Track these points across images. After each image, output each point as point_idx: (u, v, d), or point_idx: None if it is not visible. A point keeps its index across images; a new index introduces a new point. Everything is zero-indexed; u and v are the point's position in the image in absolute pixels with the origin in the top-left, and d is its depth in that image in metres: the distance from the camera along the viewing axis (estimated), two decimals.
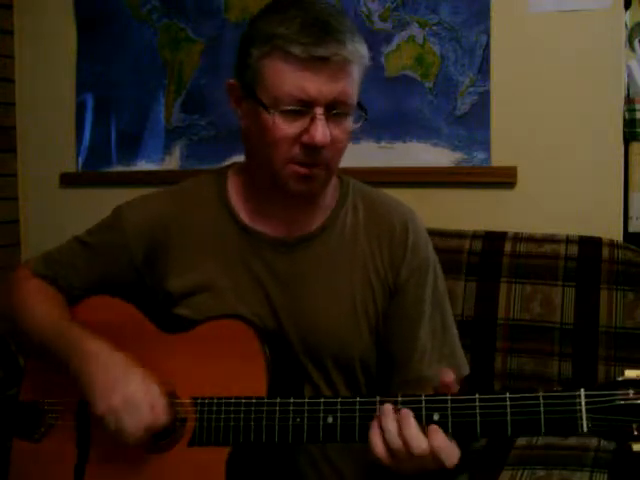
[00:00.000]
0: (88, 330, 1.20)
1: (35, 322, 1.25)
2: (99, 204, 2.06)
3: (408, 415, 1.00)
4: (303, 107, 1.11)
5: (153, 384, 1.13)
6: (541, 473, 1.32)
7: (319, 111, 1.10)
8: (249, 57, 1.14)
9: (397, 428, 1.00)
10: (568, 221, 1.78)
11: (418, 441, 0.98)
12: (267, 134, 1.13)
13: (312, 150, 1.12)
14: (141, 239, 1.27)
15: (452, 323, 1.30)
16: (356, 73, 1.14)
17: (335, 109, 1.12)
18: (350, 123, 1.16)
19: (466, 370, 1.28)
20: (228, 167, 1.33)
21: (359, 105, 1.17)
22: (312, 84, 1.09)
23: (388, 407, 1.02)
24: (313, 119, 1.10)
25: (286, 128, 1.12)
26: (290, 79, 1.10)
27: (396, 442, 0.99)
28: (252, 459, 1.13)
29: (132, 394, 1.10)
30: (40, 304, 1.28)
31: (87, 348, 1.17)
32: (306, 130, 1.11)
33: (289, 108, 1.11)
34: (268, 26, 1.12)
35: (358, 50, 1.13)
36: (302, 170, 1.14)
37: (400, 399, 1.02)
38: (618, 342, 1.59)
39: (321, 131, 1.10)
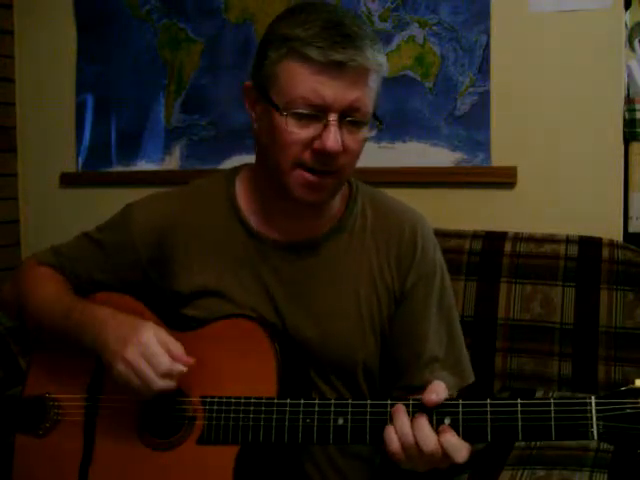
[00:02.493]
0: (96, 303, 1.23)
1: (46, 303, 1.27)
2: (99, 204, 2.08)
3: (421, 415, 1.01)
4: (317, 112, 1.09)
5: (164, 332, 1.13)
6: (541, 473, 1.31)
7: (332, 117, 1.09)
8: (266, 59, 1.13)
9: (410, 425, 1.01)
10: (568, 221, 1.78)
11: (428, 439, 0.99)
12: (278, 136, 1.11)
13: (323, 156, 1.10)
14: (149, 239, 1.28)
15: (459, 330, 1.29)
16: (373, 82, 1.12)
17: (349, 116, 1.10)
18: (364, 132, 1.14)
19: (471, 378, 1.27)
20: (239, 168, 1.32)
21: (374, 115, 1.15)
22: (328, 89, 1.08)
23: (401, 406, 1.02)
24: (326, 125, 1.09)
25: (298, 132, 1.10)
26: (306, 82, 1.08)
27: (408, 439, 1.00)
28: (260, 459, 1.13)
29: (146, 343, 1.11)
30: (49, 286, 1.30)
31: (100, 315, 1.18)
32: (318, 136, 1.09)
33: (302, 111, 1.09)
34: (286, 28, 1.11)
35: (377, 58, 1.10)
36: (310, 177, 1.13)
37: (411, 402, 1.03)
38: (618, 342, 1.59)
39: (333, 138, 1.08)
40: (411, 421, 1.01)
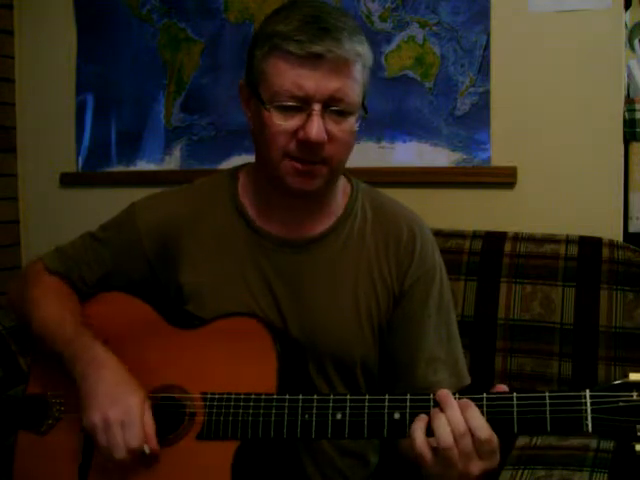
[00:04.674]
0: (98, 339, 1.21)
1: (46, 323, 1.26)
2: (99, 204, 2.08)
3: (470, 403, 1.00)
4: (300, 103, 1.11)
5: (150, 411, 1.13)
6: (541, 473, 1.32)
7: (316, 107, 1.11)
8: (254, 58, 1.17)
9: (460, 412, 0.99)
10: (568, 221, 1.78)
11: (483, 427, 0.97)
12: (265, 129, 1.14)
13: (308, 146, 1.12)
14: (154, 237, 1.29)
15: (457, 332, 1.30)
16: (357, 72, 1.14)
17: (332, 106, 1.12)
18: (352, 122, 1.15)
19: (468, 380, 1.28)
20: (241, 166, 1.34)
21: (363, 105, 1.17)
22: (308, 80, 1.10)
23: (445, 392, 1.01)
24: (309, 115, 1.11)
25: (283, 124, 1.12)
26: (287, 76, 1.11)
27: (461, 426, 0.97)
28: (259, 454, 1.14)
29: (130, 413, 1.11)
30: (52, 304, 1.29)
31: (95, 356, 1.17)
32: (302, 126, 1.12)
33: (285, 104, 1.11)
34: (269, 26, 1.15)
35: (356, 49, 1.12)
36: (299, 166, 1.14)
37: (409, 397, 1.04)
38: (618, 342, 1.59)
39: (316, 127, 1.10)
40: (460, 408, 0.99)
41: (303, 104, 1.11)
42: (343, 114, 1.14)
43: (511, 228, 1.77)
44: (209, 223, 1.28)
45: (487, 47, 1.88)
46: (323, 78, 1.10)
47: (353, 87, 1.14)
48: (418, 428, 1.01)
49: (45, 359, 1.31)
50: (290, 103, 1.11)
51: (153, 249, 1.29)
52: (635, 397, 0.95)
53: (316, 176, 1.17)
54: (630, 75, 1.85)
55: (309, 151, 1.13)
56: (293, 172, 1.15)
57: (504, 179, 1.88)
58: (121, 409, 1.11)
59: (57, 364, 1.27)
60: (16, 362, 1.84)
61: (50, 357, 1.27)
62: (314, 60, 1.10)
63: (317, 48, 1.09)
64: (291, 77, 1.11)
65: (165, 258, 1.28)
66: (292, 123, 1.12)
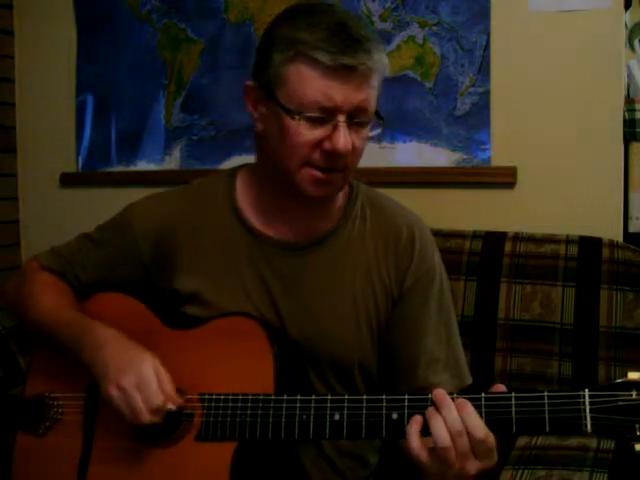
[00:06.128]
0: (98, 320, 1.22)
1: (46, 313, 1.27)
2: (99, 204, 2.08)
3: (466, 402, 1.00)
4: (326, 114, 1.10)
5: (164, 369, 1.14)
6: (541, 473, 1.32)
7: (342, 119, 1.10)
8: (270, 60, 1.13)
9: (457, 412, 0.99)
10: (568, 221, 1.78)
11: (479, 426, 0.97)
12: (288, 138, 1.12)
13: (332, 156, 1.12)
14: (150, 239, 1.28)
15: (457, 333, 1.29)
16: (376, 82, 1.14)
17: (356, 117, 1.12)
18: (368, 130, 1.16)
19: (469, 380, 1.28)
20: (239, 168, 1.33)
21: (377, 113, 1.17)
22: (338, 92, 1.09)
23: (442, 392, 1.01)
24: (336, 126, 1.10)
25: (308, 134, 1.11)
26: (315, 86, 1.09)
27: (457, 425, 0.98)
28: (257, 455, 1.14)
29: (144, 375, 1.12)
30: (50, 295, 1.30)
31: (100, 335, 1.19)
32: (328, 137, 1.11)
33: (314, 115, 1.10)
34: (291, 30, 1.11)
35: (382, 60, 1.13)
36: (320, 175, 1.14)
37: (407, 397, 1.04)
38: (618, 342, 1.59)
39: (343, 139, 1.10)
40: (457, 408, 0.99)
41: (328, 115, 1.10)
42: (363, 124, 1.14)
43: (511, 228, 1.77)
44: (206, 225, 1.27)
45: (487, 47, 1.88)
46: (352, 90, 1.10)
47: (374, 96, 1.14)
48: (413, 430, 1.01)
49: (43, 360, 1.31)
50: (318, 114, 1.10)
51: (149, 252, 1.29)
52: (634, 396, 0.95)
53: (333, 184, 1.17)
54: (630, 75, 1.85)
55: (332, 161, 1.13)
56: (312, 180, 1.15)
57: (504, 179, 1.88)
58: (133, 374, 1.12)
59: (55, 363, 1.28)
60: (16, 362, 1.84)
61: (50, 350, 1.27)
62: (345, 72, 1.09)
63: (349, 60, 1.08)
64: (320, 88, 1.09)
65: (161, 260, 1.28)
66: (317, 133, 1.11)
